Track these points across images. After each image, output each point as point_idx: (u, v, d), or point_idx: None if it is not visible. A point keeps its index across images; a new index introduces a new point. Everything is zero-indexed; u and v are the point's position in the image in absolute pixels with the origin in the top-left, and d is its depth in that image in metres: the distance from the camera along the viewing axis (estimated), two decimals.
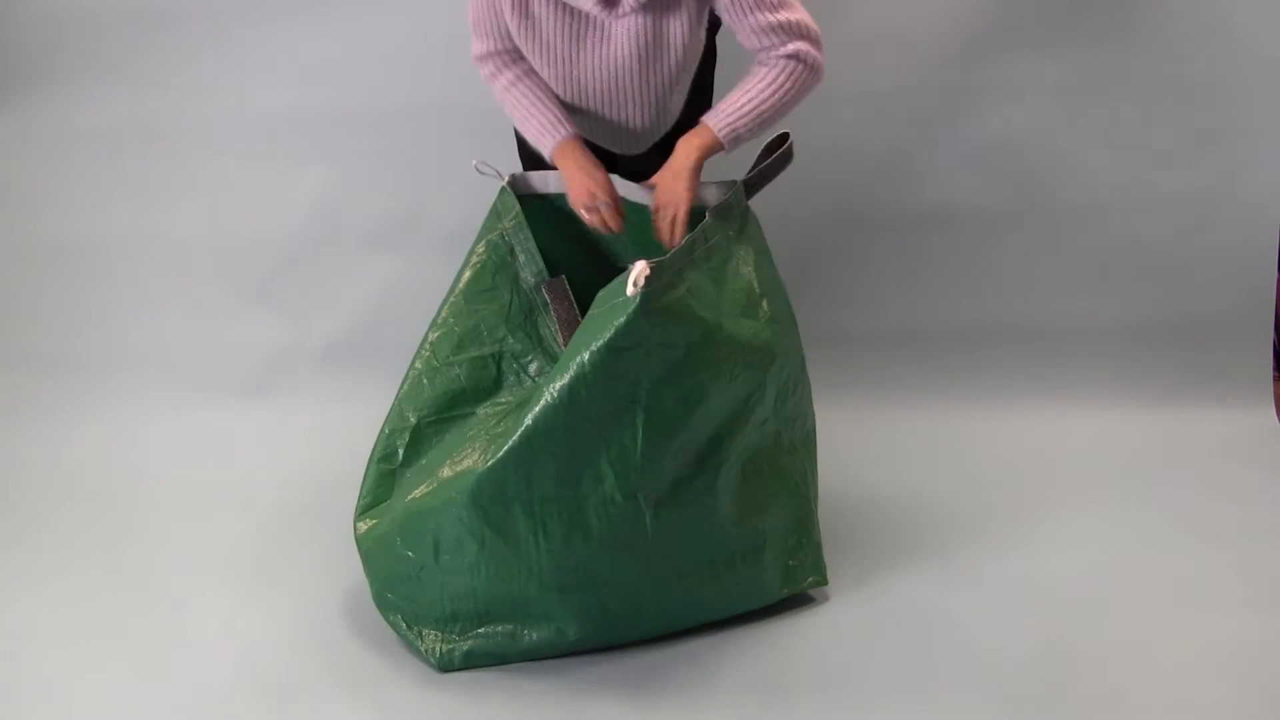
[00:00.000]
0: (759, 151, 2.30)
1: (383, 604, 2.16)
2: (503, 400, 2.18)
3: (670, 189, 2.16)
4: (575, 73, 2.22)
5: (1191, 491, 2.68)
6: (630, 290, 1.91)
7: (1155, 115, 3.07)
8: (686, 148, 2.17)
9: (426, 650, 2.09)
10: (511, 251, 2.24)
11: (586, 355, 1.93)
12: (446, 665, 2.09)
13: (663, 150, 2.26)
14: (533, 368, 2.19)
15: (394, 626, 2.14)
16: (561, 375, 1.94)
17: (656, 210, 2.19)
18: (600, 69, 2.20)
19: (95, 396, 3.15)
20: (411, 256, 3.12)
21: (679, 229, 2.15)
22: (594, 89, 2.24)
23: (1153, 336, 3.15)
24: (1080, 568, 2.38)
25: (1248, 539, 2.48)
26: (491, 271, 2.23)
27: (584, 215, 2.20)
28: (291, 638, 2.21)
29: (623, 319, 1.92)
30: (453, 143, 3.07)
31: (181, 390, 3.14)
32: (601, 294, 2.00)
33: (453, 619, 2.08)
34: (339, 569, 2.38)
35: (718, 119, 2.16)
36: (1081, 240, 3.15)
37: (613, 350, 1.93)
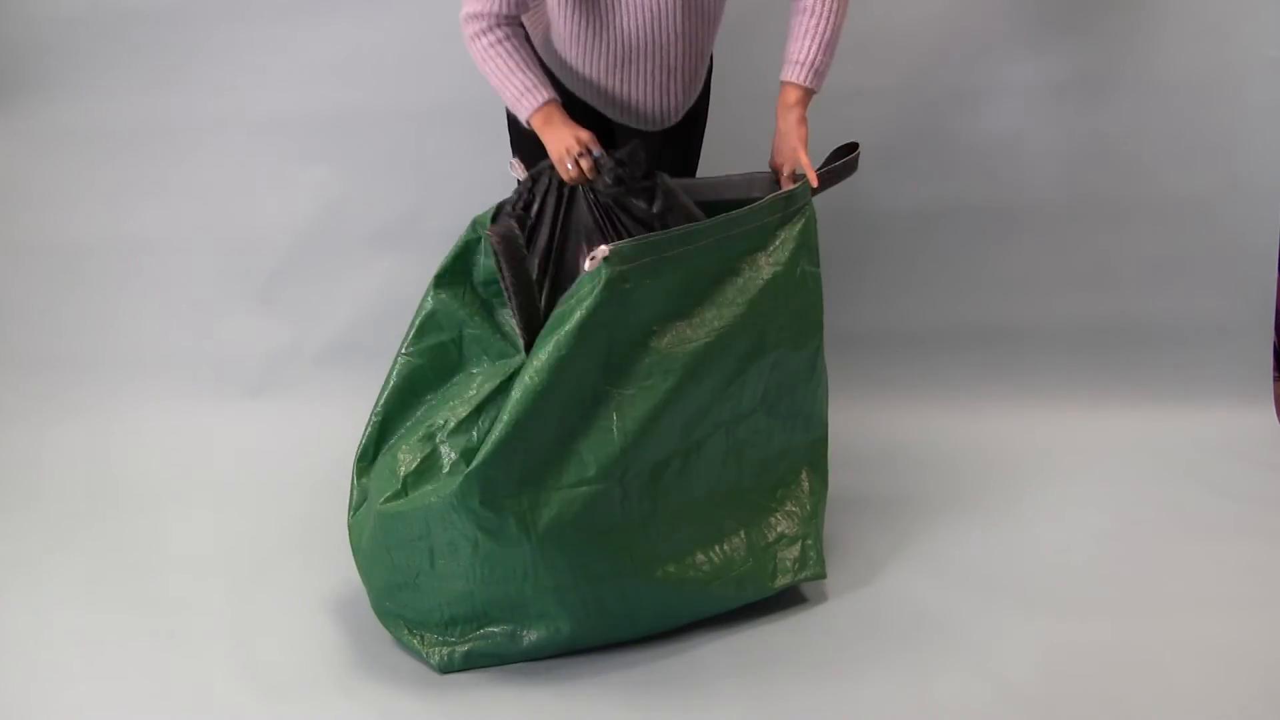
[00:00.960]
0: (828, 154, 2.34)
1: (382, 612, 2.16)
2: (466, 381, 2.14)
3: (782, 149, 2.29)
4: (619, 20, 2.21)
5: (1191, 491, 2.68)
6: (588, 265, 1.93)
7: (1155, 115, 3.07)
8: (784, 109, 2.28)
9: (427, 654, 2.09)
10: (478, 244, 2.19)
11: (561, 337, 1.95)
12: (447, 668, 2.09)
13: (680, 131, 2.38)
14: (495, 350, 2.14)
15: (394, 633, 2.15)
16: (535, 360, 1.95)
17: (779, 171, 2.30)
18: (643, 11, 2.20)
19: (95, 396, 3.15)
20: (411, 256, 3.12)
21: (810, 175, 2.25)
22: (637, 37, 2.23)
23: (1153, 336, 3.15)
24: (1079, 567, 2.38)
25: (1248, 539, 2.47)
26: (460, 256, 2.19)
27: (566, 170, 2.15)
28: (291, 638, 2.21)
29: (590, 301, 1.94)
30: (453, 143, 3.07)
31: (181, 390, 3.14)
32: (575, 284, 2.01)
33: (452, 622, 2.08)
34: (339, 569, 2.38)
35: (798, 72, 2.27)
36: (1081, 240, 3.15)
37: (584, 329, 1.95)
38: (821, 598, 2.28)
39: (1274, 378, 3.15)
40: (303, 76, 3.08)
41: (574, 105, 2.30)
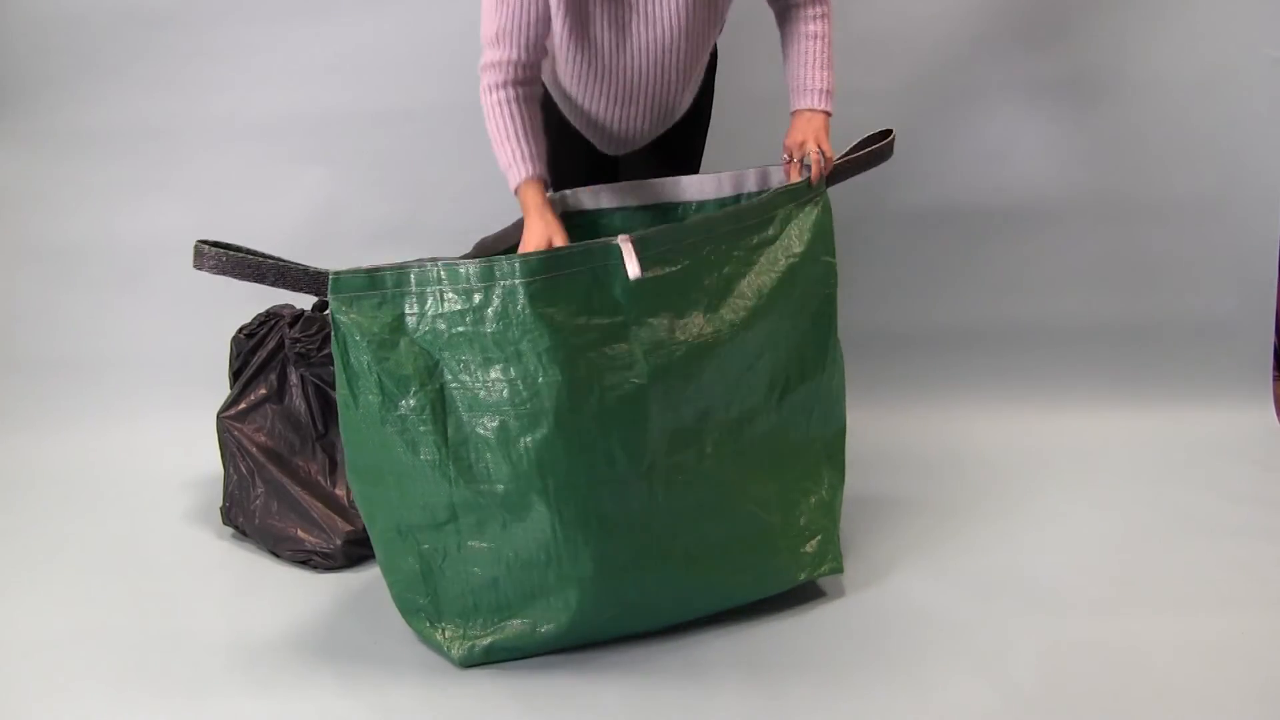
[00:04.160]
0: (856, 141, 2.34)
1: (404, 606, 2.15)
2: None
3: (802, 128, 2.29)
4: (623, 61, 2.23)
5: (1191, 491, 2.68)
6: (634, 273, 1.94)
7: (1155, 115, 3.07)
8: (808, 133, 2.28)
9: (448, 647, 2.09)
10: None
11: (573, 333, 1.96)
12: (468, 661, 2.09)
13: (661, 142, 2.40)
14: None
15: (416, 628, 2.14)
16: (560, 354, 1.95)
17: (790, 151, 2.29)
18: (647, 52, 2.23)
19: (93, 396, 3.15)
20: (410, 257, 3.11)
21: (827, 152, 2.26)
22: (642, 77, 2.26)
23: (1153, 336, 3.15)
24: (1080, 567, 2.38)
25: (1247, 539, 2.47)
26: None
27: None
28: (291, 635, 2.21)
29: (617, 290, 1.98)
30: (453, 143, 3.07)
31: (181, 390, 3.14)
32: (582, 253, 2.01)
33: (474, 611, 2.08)
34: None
35: (810, 100, 2.30)
36: (1081, 240, 3.15)
37: (603, 325, 1.98)
38: (826, 596, 2.28)
39: (1274, 378, 3.15)
40: (302, 76, 3.08)
41: (565, 130, 2.36)
